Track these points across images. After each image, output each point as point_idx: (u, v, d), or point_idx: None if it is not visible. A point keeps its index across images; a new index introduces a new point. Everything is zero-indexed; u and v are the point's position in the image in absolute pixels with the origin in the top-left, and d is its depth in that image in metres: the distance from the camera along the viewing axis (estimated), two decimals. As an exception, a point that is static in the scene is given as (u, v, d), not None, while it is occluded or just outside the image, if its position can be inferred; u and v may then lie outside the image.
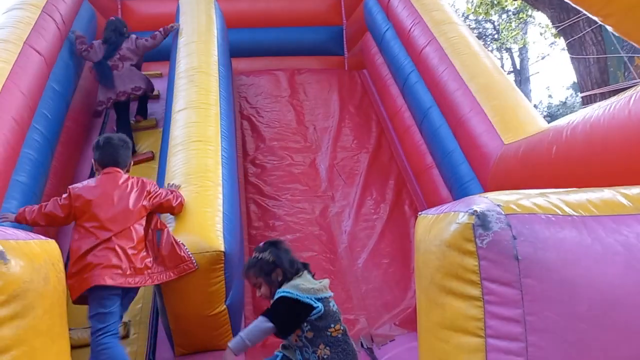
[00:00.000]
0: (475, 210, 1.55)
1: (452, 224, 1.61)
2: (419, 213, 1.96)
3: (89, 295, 2.98)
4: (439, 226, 1.68)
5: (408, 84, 5.44)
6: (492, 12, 12.16)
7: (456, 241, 1.58)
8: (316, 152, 5.79)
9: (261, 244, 2.87)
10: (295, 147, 5.83)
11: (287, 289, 2.59)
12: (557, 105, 22.67)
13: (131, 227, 3.05)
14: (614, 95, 6.41)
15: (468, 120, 4.35)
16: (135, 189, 3.16)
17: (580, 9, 2.32)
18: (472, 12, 12.26)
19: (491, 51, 21.48)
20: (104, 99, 5.39)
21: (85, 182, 3.30)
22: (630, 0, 1.95)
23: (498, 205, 1.56)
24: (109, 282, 2.88)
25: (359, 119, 6.23)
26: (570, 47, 7.25)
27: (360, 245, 4.88)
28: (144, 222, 3.16)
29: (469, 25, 20.40)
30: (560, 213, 1.57)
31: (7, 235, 1.89)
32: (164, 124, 4.73)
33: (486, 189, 4.06)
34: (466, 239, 1.55)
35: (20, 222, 3.20)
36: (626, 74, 6.63)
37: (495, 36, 20.35)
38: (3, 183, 3.57)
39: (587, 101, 7.04)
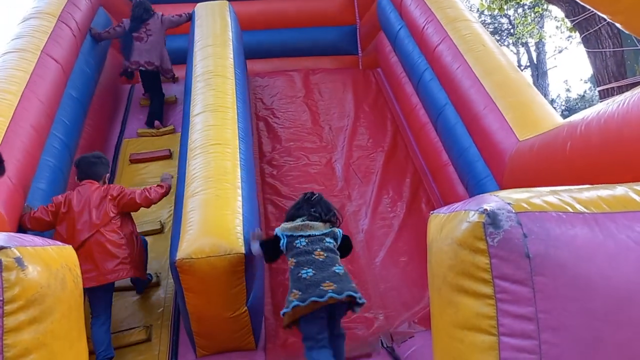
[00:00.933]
0: (486, 209, 1.56)
1: (463, 223, 1.62)
2: (431, 212, 1.97)
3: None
4: (450, 225, 1.69)
5: (422, 81, 5.43)
6: (507, 7, 12.00)
7: (467, 240, 1.59)
8: (332, 151, 5.80)
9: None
10: (311, 147, 5.85)
11: (277, 228, 3.32)
12: (576, 99, 22.39)
13: (100, 231, 3.52)
14: (632, 88, 6.34)
15: (483, 117, 4.33)
16: (101, 196, 3.63)
17: (589, 7, 2.31)
18: (487, 8, 12.11)
19: (507, 46, 21.30)
20: (123, 68, 6.01)
21: (65, 194, 3.72)
22: (640, -4, 1.94)
23: (508, 203, 1.57)
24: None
25: (374, 118, 6.23)
26: (586, 41, 7.15)
27: (377, 244, 4.89)
28: (115, 225, 3.60)
29: (484, 21, 20.27)
30: (572, 210, 1.58)
31: (24, 242, 1.94)
32: (182, 127, 4.78)
33: (502, 185, 4.04)
34: (477, 238, 1.56)
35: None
36: (643, 67, 6.54)
37: (511, 31, 20.16)
38: (24, 190, 3.66)
39: (604, 95, 6.95)
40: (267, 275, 4.46)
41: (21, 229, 3.52)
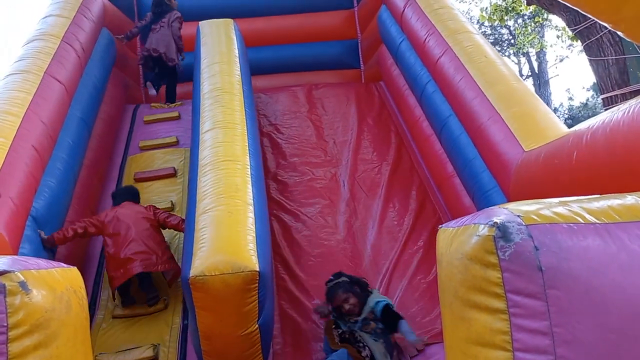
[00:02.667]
0: (496, 222, 1.54)
1: (472, 237, 1.60)
2: (439, 226, 1.95)
3: None
4: (459, 239, 1.67)
5: (425, 94, 5.43)
6: (507, 18, 12.06)
7: (478, 254, 1.56)
8: (337, 165, 5.79)
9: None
10: (316, 161, 5.84)
11: (383, 298, 3.95)
12: (579, 107, 22.38)
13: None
14: (635, 95, 6.32)
15: (487, 128, 4.31)
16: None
17: (591, 16, 2.30)
18: (487, 19, 12.17)
19: (508, 56, 21.36)
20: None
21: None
22: (641, 5, 1.93)
23: (518, 215, 1.55)
24: None
25: (378, 131, 6.23)
26: (588, 49, 7.16)
27: (384, 258, 4.85)
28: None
29: (484, 32, 20.35)
30: (582, 221, 1.55)
31: (28, 265, 1.92)
32: (192, 144, 4.79)
33: (508, 196, 4.01)
34: (488, 252, 1.54)
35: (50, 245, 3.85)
36: (646, 73, 6.53)
37: (512, 41, 20.22)
38: (25, 211, 3.65)
39: (608, 102, 6.93)
40: (275, 293, 4.43)
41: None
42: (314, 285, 4.59)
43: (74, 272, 2.24)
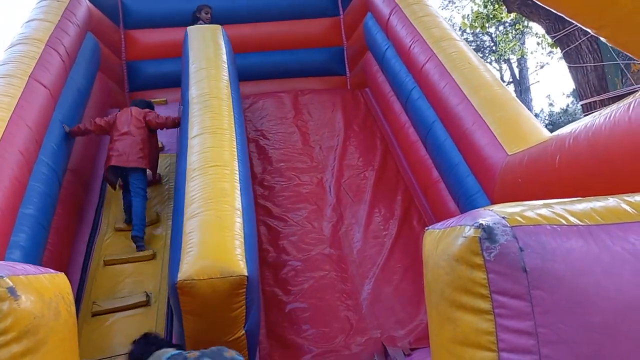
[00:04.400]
0: (481, 224, 1.56)
1: (458, 238, 1.62)
2: (426, 228, 1.97)
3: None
4: (446, 241, 1.69)
5: (410, 100, 5.48)
6: (488, 25, 12.21)
7: (464, 255, 1.59)
8: (323, 171, 5.82)
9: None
10: (302, 167, 5.86)
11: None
12: (559, 113, 22.70)
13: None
14: (613, 101, 6.45)
15: (471, 133, 4.37)
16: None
17: (574, 22, 2.35)
18: (469, 27, 12.31)
19: (490, 63, 21.62)
20: None
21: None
22: (623, 11, 1.98)
23: (503, 217, 1.58)
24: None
25: (364, 137, 6.27)
26: (567, 56, 7.28)
27: (371, 263, 4.88)
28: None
29: (466, 38, 20.57)
30: (566, 223, 1.58)
31: (17, 271, 1.90)
32: (179, 149, 4.78)
33: (493, 200, 4.06)
34: (474, 253, 1.56)
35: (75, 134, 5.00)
36: (624, 80, 6.65)
37: (494, 48, 20.46)
38: (11, 216, 3.62)
39: (587, 108, 7.05)
40: (261, 298, 4.43)
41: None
42: (299, 291, 4.61)
43: (61, 278, 2.23)
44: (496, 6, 11.02)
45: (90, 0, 6.41)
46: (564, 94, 30.21)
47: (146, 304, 4.33)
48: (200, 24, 6.48)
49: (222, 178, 3.94)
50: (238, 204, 3.74)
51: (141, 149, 4.92)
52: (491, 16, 11.35)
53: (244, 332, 3.27)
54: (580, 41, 6.95)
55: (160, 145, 5.91)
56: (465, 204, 4.43)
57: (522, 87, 20.71)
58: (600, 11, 2.14)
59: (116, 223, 5.15)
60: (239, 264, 3.18)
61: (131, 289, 4.49)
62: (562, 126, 3.88)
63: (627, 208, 1.69)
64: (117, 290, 4.49)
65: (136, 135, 4.96)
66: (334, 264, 4.86)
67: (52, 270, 2.22)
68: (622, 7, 2.08)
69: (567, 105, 22.69)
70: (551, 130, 4.07)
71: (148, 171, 5.04)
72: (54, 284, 2.10)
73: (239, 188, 3.92)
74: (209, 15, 6.76)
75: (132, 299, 4.36)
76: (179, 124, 5.13)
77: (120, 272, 4.65)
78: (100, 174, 5.60)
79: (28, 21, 5.34)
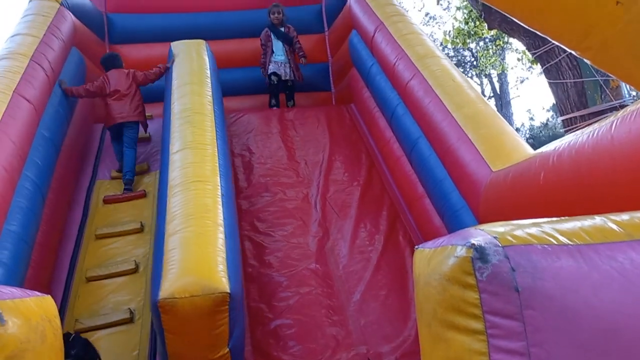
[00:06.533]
0: (473, 244, 1.58)
1: (450, 258, 1.63)
2: (416, 247, 1.99)
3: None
4: (437, 260, 1.70)
5: (395, 116, 5.54)
6: (469, 40, 12.42)
7: (456, 274, 1.60)
8: (308, 186, 5.83)
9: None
10: (288, 182, 5.86)
11: None
12: (539, 127, 23.05)
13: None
14: (593, 117, 6.56)
15: (456, 150, 4.42)
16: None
17: (558, 44, 2.40)
18: (450, 43, 12.50)
19: (471, 77, 21.94)
20: None
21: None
22: (607, 34, 2.03)
23: (495, 237, 1.59)
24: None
25: (349, 152, 6.30)
26: (547, 72, 7.41)
27: (356, 278, 4.88)
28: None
29: (448, 53, 20.84)
30: (555, 242, 1.61)
31: (3, 295, 1.87)
32: (161, 165, 4.76)
33: (477, 215, 4.11)
34: (466, 273, 1.57)
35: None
36: (603, 96, 6.79)
37: (475, 63, 20.76)
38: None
39: (567, 124, 7.17)
40: (247, 314, 4.41)
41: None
42: (285, 307, 4.59)
43: (48, 301, 2.19)
44: (477, 23, 11.21)
45: (75, 15, 6.37)
46: (544, 108, 30.71)
47: (129, 321, 4.27)
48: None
49: (204, 194, 3.93)
50: (220, 219, 3.72)
51: (137, 105, 5.71)
52: (472, 32, 11.54)
53: (228, 349, 3.25)
54: (560, 58, 7.08)
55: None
56: (450, 219, 4.47)
57: (502, 101, 21.00)
58: (583, 35, 2.19)
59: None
60: (221, 280, 3.15)
61: (115, 306, 4.43)
62: (543, 140, 3.96)
63: (614, 227, 1.71)
64: (100, 307, 4.43)
65: (129, 93, 5.69)
66: (319, 279, 4.85)
67: (38, 293, 2.19)
68: (604, 30, 2.14)
69: (547, 120, 23.08)
70: (532, 144, 4.16)
71: (140, 128, 5.82)
72: (41, 307, 2.07)
73: (221, 203, 3.91)
74: (275, 16, 7.01)
75: (115, 315, 4.30)
76: (165, 73, 5.91)
77: (104, 288, 4.59)
78: (85, 186, 5.65)
79: (12, 35, 5.30)
